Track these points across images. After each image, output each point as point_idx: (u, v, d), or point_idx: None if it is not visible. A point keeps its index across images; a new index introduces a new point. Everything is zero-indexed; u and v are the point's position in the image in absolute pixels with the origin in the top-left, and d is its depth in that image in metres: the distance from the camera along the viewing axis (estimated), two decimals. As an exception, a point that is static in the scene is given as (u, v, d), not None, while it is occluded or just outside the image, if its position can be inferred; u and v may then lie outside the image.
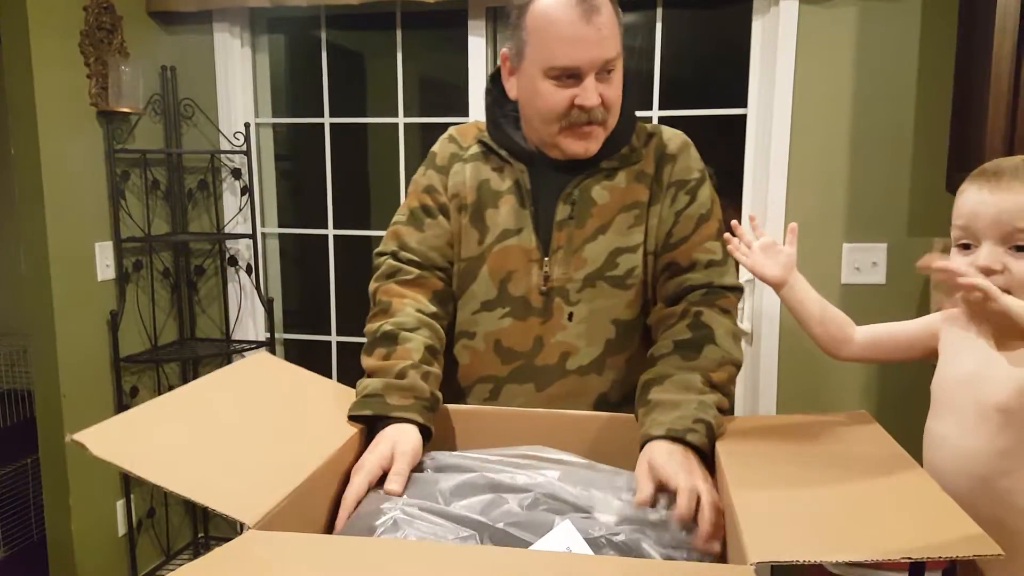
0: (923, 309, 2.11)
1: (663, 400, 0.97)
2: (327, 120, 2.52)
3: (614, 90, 1.08)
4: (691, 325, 1.06)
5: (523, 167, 1.15)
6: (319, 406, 1.04)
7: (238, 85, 2.49)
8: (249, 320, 2.55)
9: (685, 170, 1.14)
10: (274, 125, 2.64)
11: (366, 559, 0.68)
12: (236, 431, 0.90)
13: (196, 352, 2.49)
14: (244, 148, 2.43)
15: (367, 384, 1.04)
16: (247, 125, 2.42)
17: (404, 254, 1.19)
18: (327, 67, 2.50)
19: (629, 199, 1.12)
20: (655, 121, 2.23)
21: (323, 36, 2.48)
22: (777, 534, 0.69)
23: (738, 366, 1.06)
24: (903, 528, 0.68)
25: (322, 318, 2.56)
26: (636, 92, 2.37)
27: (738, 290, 1.12)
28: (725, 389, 1.02)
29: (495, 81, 1.19)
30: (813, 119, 2.12)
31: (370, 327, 1.13)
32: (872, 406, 2.17)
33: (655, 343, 1.09)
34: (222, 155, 2.49)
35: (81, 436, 0.77)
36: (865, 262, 2.14)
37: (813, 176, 2.14)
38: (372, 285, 1.20)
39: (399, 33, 2.41)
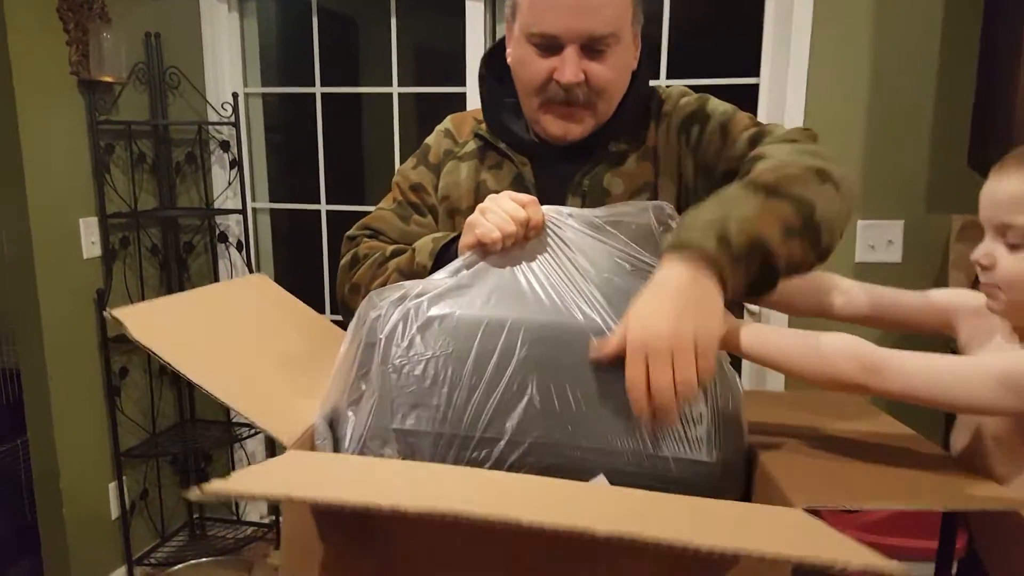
0: (940, 290, 2.02)
1: (685, 219, 0.76)
2: (318, 90, 2.42)
3: (607, 72, 0.95)
4: (744, 171, 0.85)
5: (525, 160, 1.04)
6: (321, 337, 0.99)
7: (225, 53, 2.38)
8: (241, 298, 2.47)
9: (683, 108, 1.02)
10: (263, 95, 2.53)
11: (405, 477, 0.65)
12: (260, 344, 0.89)
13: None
14: (232, 119, 2.33)
15: (401, 259, 0.96)
16: (235, 95, 2.32)
17: (384, 238, 1.08)
18: (318, 34, 2.39)
19: (638, 182, 1.01)
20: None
21: (313, 1, 2.36)
22: (813, 483, 0.69)
23: (818, 172, 0.79)
24: (932, 484, 0.70)
25: (316, 296, 2.49)
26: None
27: (801, 129, 0.92)
28: (777, 189, 0.75)
29: (489, 64, 1.08)
30: (829, 89, 2.01)
31: (354, 278, 1.03)
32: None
33: None
34: (210, 126, 2.39)
35: (120, 313, 0.74)
36: (880, 240, 2.06)
37: (827, 149, 2.04)
38: (343, 263, 1.07)
39: (393, -3, 2.29)
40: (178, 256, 2.47)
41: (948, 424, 0.95)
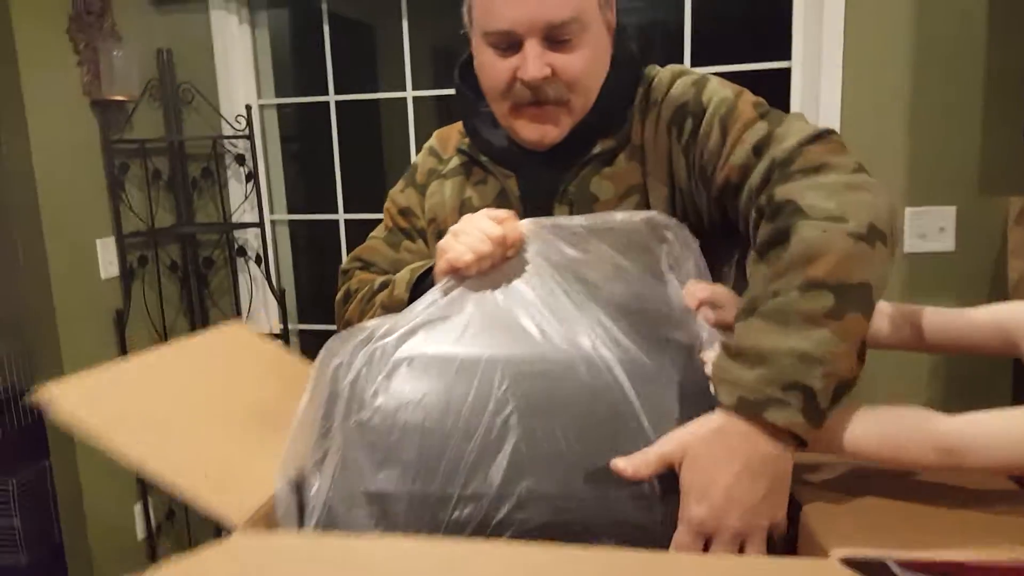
0: (998, 282, 1.85)
1: (745, 347, 0.64)
2: (332, 98, 2.36)
3: (575, 61, 0.84)
4: (770, 215, 0.71)
5: (508, 172, 0.94)
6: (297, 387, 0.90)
7: (238, 65, 2.34)
8: (262, 312, 2.43)
9: (675, 97, 0.87)
10: (278, 106, 2.49)
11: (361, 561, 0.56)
12: (225, 403, 0.79)
13: (210, 348, 2.38)
14: (247, 132, 2.29)
15: (383, 294, 0.90)
16: (248, 107, 2.28)
17: (375, 268, 1.02)
18: (331, 41, 2.33)
19: (625, 184, 0.89)
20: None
21: (324, 7, 2.31)
22: (853, 526, 0.59)
23: (868, 229, 0.66)
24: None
25: (338, 308, 2.43)
26: (655, 48, 2.15)
27: (818, 137, 0.77)
28: (841, 288, 0.63)
29: (465, 74, 0.98)
30: (868, 69, 1.86)
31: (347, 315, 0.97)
32: (938, 395, 1.93)
33: None
34: (224, 140, 2.36)
35: (55, 390, 0.68)
36: (931, 227, 1.89)
37: (869, 134, 1.89)
38: (337, 299, 1.01)
39: (403, -2, 2.22)
40: (197, 272, 2.44)
41: None
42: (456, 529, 0.62)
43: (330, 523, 0.65)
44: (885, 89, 1.87)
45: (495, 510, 0.62)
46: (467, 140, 0.99)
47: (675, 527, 0.61)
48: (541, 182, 0.92)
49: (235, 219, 2.39)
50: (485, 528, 0.62)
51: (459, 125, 1.02)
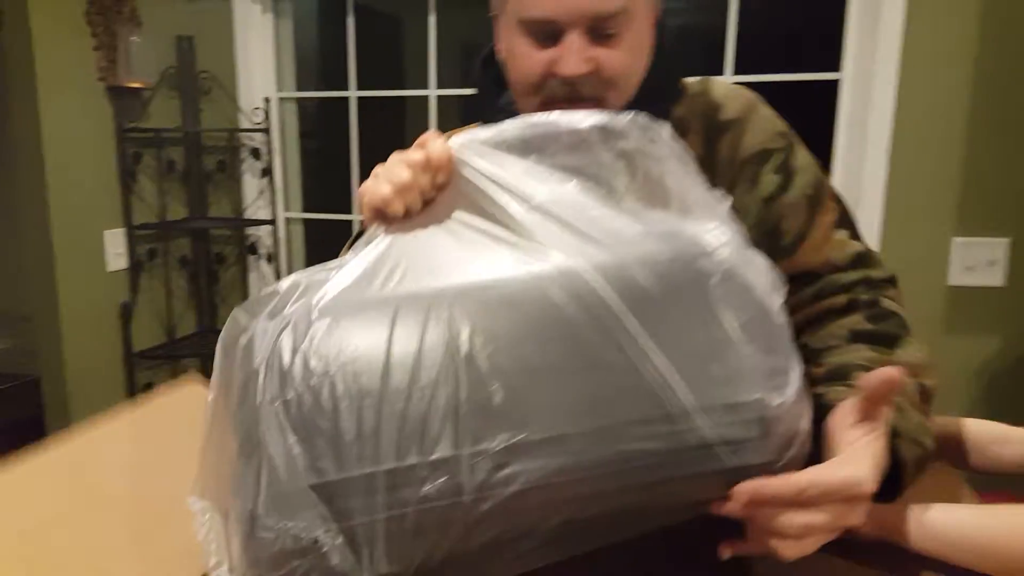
0: (1058, 321, 1.72)
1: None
2: (353, 94, 2.28)
3: (619, 57, 0.75)
4: (872, 317, 0.75)
5: None
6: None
7: (259, 56, 2.27)
8: (272, 312, 2.36)
9: (759, 135, 0.81)
10: (298, 100, 2.41)
11: None
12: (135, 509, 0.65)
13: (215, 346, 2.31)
14: (264, 125, 2.21)
15: None
16: (267, 100, 2.20)
17: None
18: (356, 34, 2.25)
19: None
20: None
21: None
22: None
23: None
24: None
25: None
26: (695, 54, 2.03)
27: (895, 283, 0.82)
28: (926, 394, 0.70)
29: (486, 68, 0.89)
30: (924, 85, 1.73)
31: None
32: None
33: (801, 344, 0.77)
34: (241, 133, 2.28)
35: None
36: (980, 260, 1.76)
37: (920, 155, 1.76)
38: None
39: (431, -8, 2.13)
40: (209, 268, 2.37)
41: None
42: (431, 508, 0.50)
43: (268, 538, 0.50)
44: (940, 108, 1.74)
45: (472, 471, 0.49)
46: None
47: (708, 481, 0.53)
48: None
49: (249, 214, 2.31)
50: (465, 495, 0.50)
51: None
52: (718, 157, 0.81)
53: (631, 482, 0.52)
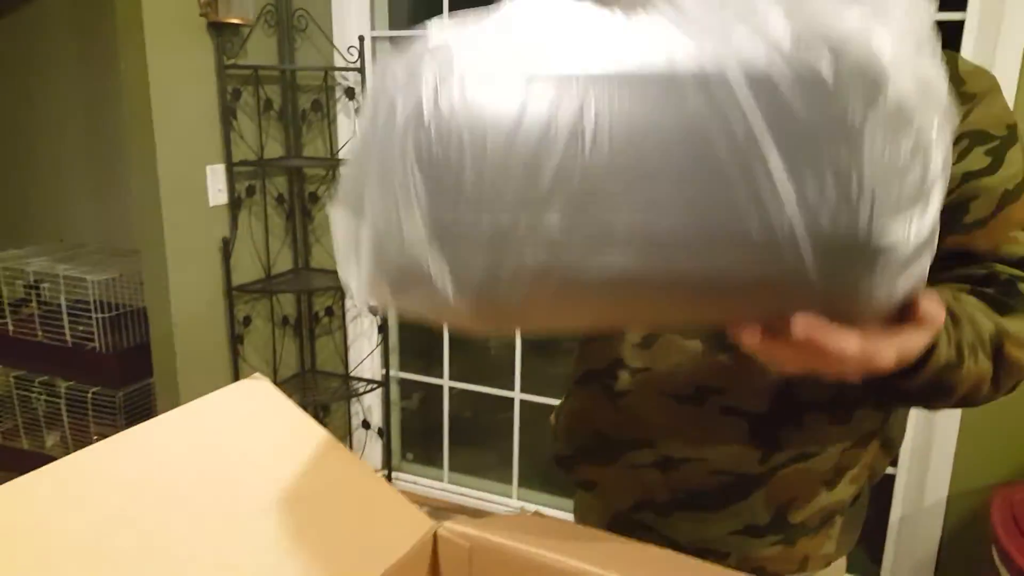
0: None
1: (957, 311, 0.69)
2: (448, 32, 2.25)
3: None
4: (1002, 291, 0.77)
5: None
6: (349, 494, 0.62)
7: (354, -7, 2.26)
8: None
9: (988, 118, 0.82)
10: (391, 38, 2.40)
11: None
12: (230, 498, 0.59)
13: (310, 283, 2.38)
14: (358, 65, 2.22)
15: None
16: (361, 39, 2.20)
17: None
18: (450, -29, 2.21)
19: None
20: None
21: (446, -66, 2.19)
22: None
23: None
24: None
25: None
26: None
27: None
28: (1009, 369, 0.71)
29: None
30: (1062, 26, 1.62)
31: None
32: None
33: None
34: (336, 72, 2.29)
35: None
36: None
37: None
38: None
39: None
40: (303, 206, 2.42)
41: None
42: (529, 267, 0.50)
43: (384, 260, 0.53)
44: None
45: (572, 247, 0.50)
46: None
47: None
48: None
49: (343, 155, 2.34)
50: (561, 265, 0.50)
51: None
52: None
53: (720, 288, 0.52)
